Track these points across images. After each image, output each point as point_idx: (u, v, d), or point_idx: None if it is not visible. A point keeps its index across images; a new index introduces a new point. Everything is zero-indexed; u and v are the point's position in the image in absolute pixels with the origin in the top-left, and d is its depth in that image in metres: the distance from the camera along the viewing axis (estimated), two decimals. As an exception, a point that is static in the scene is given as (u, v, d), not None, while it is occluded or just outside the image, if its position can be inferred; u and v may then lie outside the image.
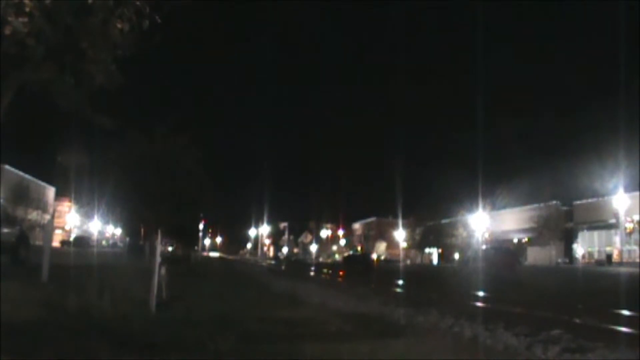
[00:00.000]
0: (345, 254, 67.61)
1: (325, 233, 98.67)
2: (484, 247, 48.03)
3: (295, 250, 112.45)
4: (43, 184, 63.17)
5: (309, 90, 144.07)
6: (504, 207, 55.13)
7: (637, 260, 39.42)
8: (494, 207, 54.49)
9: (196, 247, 38.92)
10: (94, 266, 14.49)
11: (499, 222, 56.49)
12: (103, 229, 70.99)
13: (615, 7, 58.66)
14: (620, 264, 40.21)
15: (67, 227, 67.76)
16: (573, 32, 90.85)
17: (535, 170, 52.23)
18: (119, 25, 5.46)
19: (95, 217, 56.86)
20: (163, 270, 8.39)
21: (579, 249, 50.69)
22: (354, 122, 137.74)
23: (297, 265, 54.16)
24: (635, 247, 42.49)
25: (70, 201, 62.05)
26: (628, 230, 42.63)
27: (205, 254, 70.59)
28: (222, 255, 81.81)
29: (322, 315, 8.39)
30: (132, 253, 28.00)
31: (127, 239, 37.98)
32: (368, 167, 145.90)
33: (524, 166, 67.77)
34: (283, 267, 44.80)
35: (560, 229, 50.88)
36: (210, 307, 7.93)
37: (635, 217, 42.09)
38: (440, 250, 66.68)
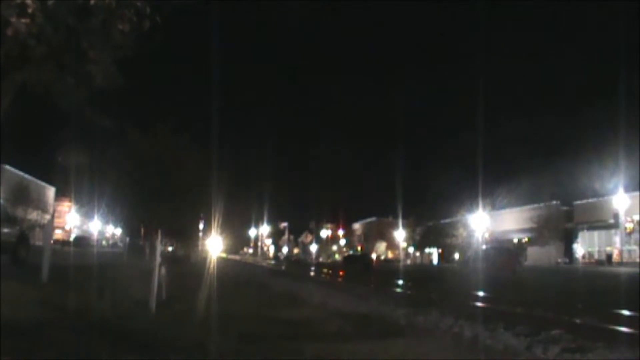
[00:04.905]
0: (345, 254, 67.67)
1: (325, 233, 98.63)
2: (484, 247, 48.01)
3: (296, 250, 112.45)
4: (43, 184, 63.14)
5: (308, 90, 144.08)
6: (504, 207, 55.14)
7: (637, 260, 39.43)
8: (494, 207, 54.49)
9: (196, 247, 39.03)
10: (94, 266, 14.50)
11: (499, 222, 56.49)
12: (103, 229, 71.00)
13: (615, 7, 58.62)
14: (620, 264, 40.24)
15: (67, 227, 67.79)
16: (573, 32, 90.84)
17: (535, 170, 52.29)
18: (119, 26, 5.47)
19: (95, 217, 56.87)
20: (163, 270, 8.39)
21: (579, 249, 50.71)
22: (354, 122, 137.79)
23: (297, 265, 54.19)
24: (635, 247, 42.51)
25: (70, 201, 62.05)
26: (628, 230, 42.67)
27: (204, 253, 70.51)
28: (222, 255, 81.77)
29: (322, 315, 8.40)
30: (132, 253, 28.00)
31: (127, 239, 37.98)
32: (368, 167, 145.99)
33: (524, 166, 67.88)
34: (283, 267, 44.78)
35: (560, 229, 50.89)
36: (210, 307, 7.93)
37: (635, 217, 42.12)
38: (440, 250, 66.70)
